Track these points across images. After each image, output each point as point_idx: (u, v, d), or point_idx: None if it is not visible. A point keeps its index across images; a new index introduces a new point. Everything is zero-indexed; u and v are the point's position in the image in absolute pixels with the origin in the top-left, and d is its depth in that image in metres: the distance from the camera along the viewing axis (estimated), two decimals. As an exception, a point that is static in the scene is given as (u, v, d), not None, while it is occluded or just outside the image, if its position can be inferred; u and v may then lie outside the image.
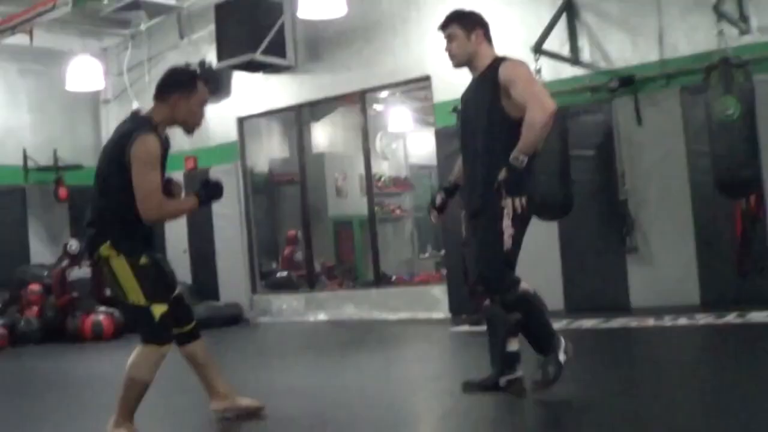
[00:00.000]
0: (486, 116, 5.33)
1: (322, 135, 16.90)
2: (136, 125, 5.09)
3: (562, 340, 5.24)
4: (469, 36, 5.48)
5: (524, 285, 5.24)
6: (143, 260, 4.97)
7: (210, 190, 5.24)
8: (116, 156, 4.99)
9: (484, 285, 5.34)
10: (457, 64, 5.60)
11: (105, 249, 4.95)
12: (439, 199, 5.89)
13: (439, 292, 11.66)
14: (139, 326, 5.03)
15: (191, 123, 5.29)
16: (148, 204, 4.89)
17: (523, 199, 5.14)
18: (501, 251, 5.16)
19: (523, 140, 5.02)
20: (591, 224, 10.05)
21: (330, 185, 16.27)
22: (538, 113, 4.99)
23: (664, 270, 9.57)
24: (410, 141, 18.64)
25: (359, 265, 16.57)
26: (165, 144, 5.17)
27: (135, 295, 4.92)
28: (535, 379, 5.20)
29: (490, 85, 5.31)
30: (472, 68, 5.55)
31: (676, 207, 9.49)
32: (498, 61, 5.38)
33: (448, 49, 5.55)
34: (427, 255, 17.41)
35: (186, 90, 5.22)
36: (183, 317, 5.31)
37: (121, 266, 4.94)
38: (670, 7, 9.67)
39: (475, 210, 5.39)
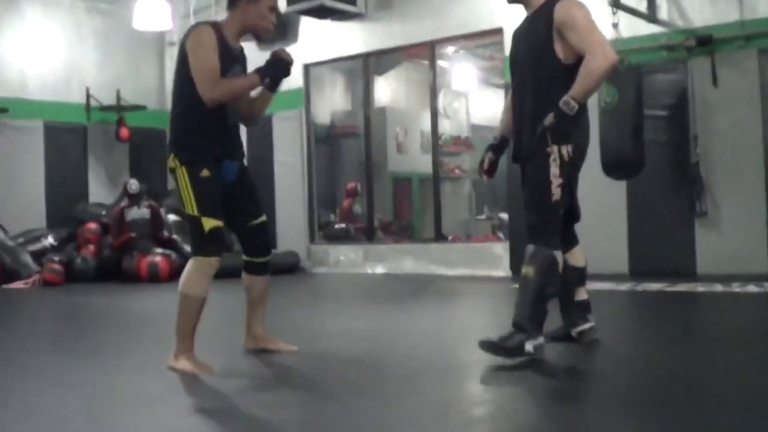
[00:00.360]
0: (536, 58, 5.02)
1: (385, 89, 16.84)
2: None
3: (542, 338, 4.88)
4: None
5: (558, 254, 4.96)
6: (204, 173, 4.99)
7: (274, 67, 5.11)
8: (179, 61, 5.04)
9: (529, 233, 5.00)
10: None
11: (171, 161, 5.04)
12: (487, 161, 5.52)
13: (501, 250, 11.60)
14: (192, 238, 5.08)
15: (262, 28, 5.21)
16: (203, 84, 4.89)
17: (570, 148, 4.89)
18: (550, 200, 4.88)
19: (579, 86, 4.74)
20: (660, 186, 9.91)
21: (390, 140, 16.21)
22: (600, 61, 4.69)
23: (733, 236, 9.41)
24: (473, 100, 18.52)
25: (416, 222, 16.55)
26: (238, 54, 5.23)
27: (190, 206, 4.98)
28: (490, 337, 4.89)
29: (543, 25, 4.97)
30: (526, 4, 5.17)
31: (748, 172, 9.32)
32: None
33: None
34: (483, 217, 17.33)
35: None
36: (258, 248, 5.42)
37: (182, 176, 5.00)
38: (753, -35, 9.41)
39: (524, 156, 5.11)
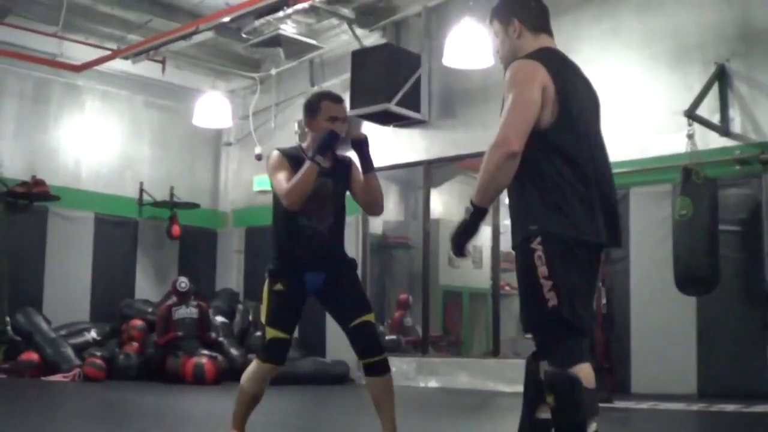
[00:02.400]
0: None
1: (438, 201, 17.07)
2: None
3: None
4: (507, 29, 4.63)
5: (583, 370, 4.17)
6: (277, 286, 5.54)
7: (319, 145, 5.42)
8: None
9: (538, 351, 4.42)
10: (505, 66, 4.60)
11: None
12: None
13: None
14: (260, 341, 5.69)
15: None
16: (281, 194, 5.41)
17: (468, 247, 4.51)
18: (545, 309, 4.21)
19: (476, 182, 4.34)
20: (732, 303, 9.95)
21: (443, 253, 16.38)
22: (491, 146, 4.25)
23: (807, 353, 9.45)
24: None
25: (466, 337, 16.62)
26: (326, 167, 5.57)
27: (262, 313, 5.59)
28: None
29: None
30: None
31: (825, 290, 9.39)
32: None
33: (496, 50, 4.80)
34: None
35: (310, 112, 5.71)
36: (364, 347, 5.55)
37: (264, 286, 5.61)
38: (828, 80, 9.66)
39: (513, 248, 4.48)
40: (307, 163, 5.34)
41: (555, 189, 4.25)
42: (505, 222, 17.60)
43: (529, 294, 4.29)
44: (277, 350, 5.52)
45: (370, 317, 5.57)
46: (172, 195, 14.93)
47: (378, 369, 5.53)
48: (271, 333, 5.49)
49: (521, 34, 4.61)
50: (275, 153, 5.66)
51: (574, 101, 4.41)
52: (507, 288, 17.28)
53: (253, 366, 5.56)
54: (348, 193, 5.87)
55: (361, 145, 5.67)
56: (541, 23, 4.71)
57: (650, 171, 10.35)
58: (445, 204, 17.35)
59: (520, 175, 4.24)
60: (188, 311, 13.15)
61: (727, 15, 10.40)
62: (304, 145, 5.71)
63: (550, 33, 4.72)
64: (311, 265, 5.58)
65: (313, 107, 5.69)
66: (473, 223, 4.44)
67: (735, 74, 10.30)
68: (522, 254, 4.31)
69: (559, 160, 4.28)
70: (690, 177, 9.46)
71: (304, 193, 5.34)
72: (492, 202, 4.40)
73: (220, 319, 13.91)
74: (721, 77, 10.28)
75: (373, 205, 5.95)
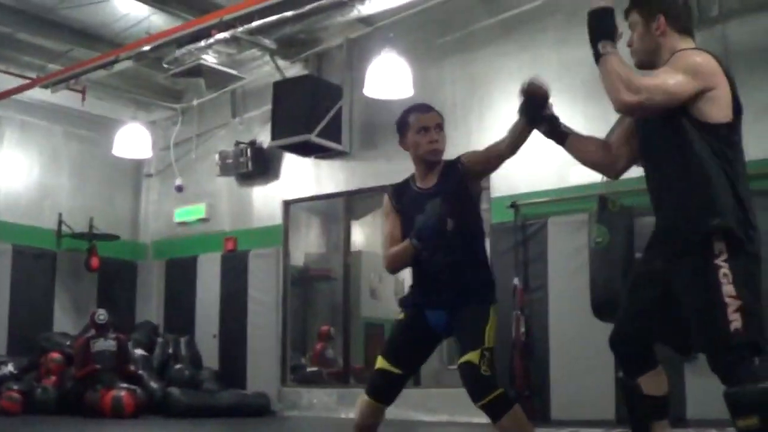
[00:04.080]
0: None
1: (360, 233, 17.14)
2: None
3: None
4: (649, 24, 4.47)
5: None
6: (400, 315, 5.31)
7: (419, 229, 5.04)
8: None
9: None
10: (638, 63, 4.58)
11: None
12: None
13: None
14: None
15: (423, 154, 5.38)
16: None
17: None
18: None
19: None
20: (648, 330, 10.06)
21: (365, 285, 16.43)
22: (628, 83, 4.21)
23: (724, 381, 9.57)
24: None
25: (387, 369, 16.63)
26: (427, 191, 5.29)
27: None
28: None
29: None
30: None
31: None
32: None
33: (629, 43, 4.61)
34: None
35: (401, 130, 5.51)
36: (468, 393, 5.05)
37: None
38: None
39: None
40: (406, 242, 5.10)
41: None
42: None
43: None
44: (378, 384, 5.21)
45: (471, 356, 4.99)
46: (91, 226, 14.76)
47: (488, 413, 4.99)
48: (378, 363, 5.18)
49: (665, 32, 4.43)
50: (385, 196, 5.49)
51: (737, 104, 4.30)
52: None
53: (360, 397, 5.28)
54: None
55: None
56: (687, 24, 4.54)
57: (568, 200, 10.50)
58: (367, 236, 17.39)
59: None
60: (107, 344, 13.00)
61: (643, 47, 10.58)
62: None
63: (693, 36, 4.52)
64: (429, 302, 5.23)
65: (401, 124, 5.49)
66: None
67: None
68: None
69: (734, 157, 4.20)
70: (606, 206, 9.62)
71: (398, 267, 5.28)
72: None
73: (139, 352, 13.79)
74: (638, 108, 10.45)
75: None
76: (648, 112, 4.26)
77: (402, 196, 5.39)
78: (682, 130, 4.19)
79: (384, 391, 5.20)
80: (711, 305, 4.01)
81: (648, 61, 4.50)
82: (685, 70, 4.15)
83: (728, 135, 4.21)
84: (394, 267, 5.26)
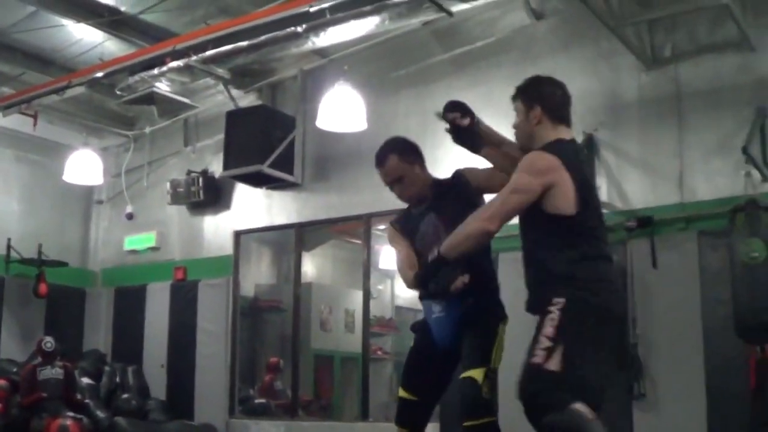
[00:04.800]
0: None
1: (310, 265, 17.06)
2: None
3: None
4: (528, 112, 5.05)
5: None
6: (413, 342, 5.51)
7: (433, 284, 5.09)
8: None
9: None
10: (519, 145, 5.22)
11: None
12: None
13: (432, 430, 11.61)
14: None
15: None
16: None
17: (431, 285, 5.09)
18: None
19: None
20: (597, 367, 10.05)
21: (315, 317, 16.34)
22: (479, 215, 4.91)
23: (672, 419, 9.55)
24: (399, 281, 18.74)
25: (337, 402, 16.55)
26: (420, 213, 5.65)
27: None
28: None
29: None
30: None
31: (688, 355, 9.51)
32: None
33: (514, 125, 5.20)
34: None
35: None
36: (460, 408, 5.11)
37: None
38: (692, 151, 9.90)
39: None
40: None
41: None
42: (379, 287, 17.71)
43: None
44: (400, 411, 5.38)
45: (474, 373, 5.05)
46: (40, 252, 14.52)
47: None
48: (399, 391, 5.36)
49: (541, 121, 4.99)
50: (388, 225, 5.77)
51: (589, 189, 4.96)
52: (379, 352, 17.31)
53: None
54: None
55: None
56: (562, 114, 5.07)
57: (516, 237, 10.43)
58: (318, 267, 17.33)
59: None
60: (53, 372, 12.82)
61: (597, 86, 10.62)
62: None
63: (569, 123, 5.09)
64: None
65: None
66: (432, 266, 4.91)
67: (603, 144, 10.49)
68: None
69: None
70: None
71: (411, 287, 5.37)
72: (455, 258, 4.89)
73: (86, 380, 13.64)
74: (589, 146, 10.46)
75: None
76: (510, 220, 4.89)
77: (402, 220, 5.63)
78: (536, 216, 4.82)
79: (406, 418, 5.35)
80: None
81: (526, 145, 5.06)
82: (530, 172, 4.74)
83: (572, 225, 4.78)
84: (407, 284, 5.39)
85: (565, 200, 4.75)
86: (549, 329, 4.61)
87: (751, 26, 9.43)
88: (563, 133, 5.02)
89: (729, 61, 9.77)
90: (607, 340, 4.97)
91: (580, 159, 5.07)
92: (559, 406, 4.44)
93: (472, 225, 4.84)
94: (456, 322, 5.26)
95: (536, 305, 4.83)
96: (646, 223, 9.93)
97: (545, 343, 4.58)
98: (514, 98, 5.18)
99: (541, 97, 5.05)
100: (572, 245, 4.80)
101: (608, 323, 4.88)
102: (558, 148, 4.88)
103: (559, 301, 4.68)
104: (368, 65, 12.37)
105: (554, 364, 4.55)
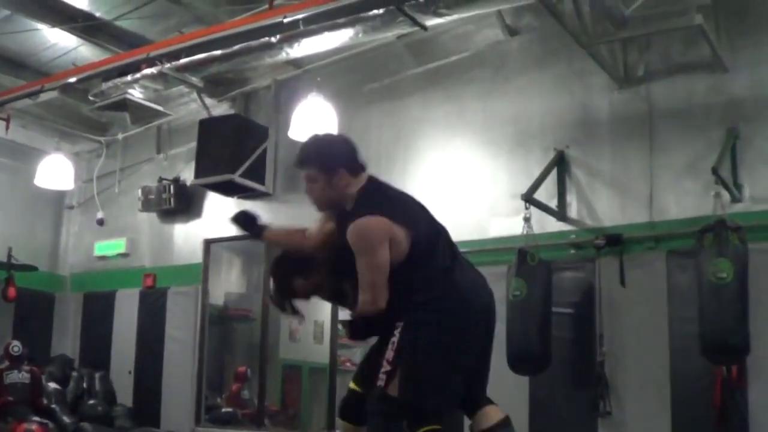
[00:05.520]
0: None
1: (282, 276, 16.93)
2: None
3: None
4: (331, 179, 5.14)
5: None
6: None
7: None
8: None
9: None
10: (320, 208, 5.45)
11: None
12: None
13: None
14: None
15: None
16: None
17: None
18: None
19: None
20: (564, 383, 10.02)
21: (284, 328, 16.21)
22: (364, 303, 4.96)
23: (637, 437, 9.55)
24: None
25: (304, 412, 16.43)
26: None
27: None
28: None
29: None
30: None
31: (654, 373, 9.46)
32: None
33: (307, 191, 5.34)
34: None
35: None
36: None
37: None
38: (662, 170, 9.87)
39: None
40: None
41: None
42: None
43: None
44: (344, 402, 5.49)
45: (358, 387, 5.41)
46: (9, 256, 14.34)
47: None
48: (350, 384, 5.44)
49: (348, 182, 5.08)
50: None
51: (410, 216, 5.09)
52: (348, 364, 17.20)
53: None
54: None
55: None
56: (359, 164, 5.19)
57: (487, 252, 10.38)
58: (289, 277, 17.18)
59: None
60: (20, 376, 12.76)
61: (569, 103, 10.60)
62: None
63: (364, 166, 5.20)
64: None
65: None
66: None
67: (574, 161, 10.47)
68: None
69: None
70: (525, 259, 9.56)
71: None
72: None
73: (53, 385, 13.52)
74: (560, 163, 10.45)
75: None
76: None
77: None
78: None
79: (349, 409, 5.39)
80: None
81: (332, 205, 5.23)
82: (379, 245, 4.84)
83: (407, 267, 4.94)
84: None
85: (399, 249, 4.92)
86: (389, 353, 4.88)
87: (724, 47, 9.42)
88: (362, 179, 5.15)
89: (701, 82, 9.77)
90: (459, 343, 5.00)
91: (388, 195, 5.23)
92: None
93: (367, 311, 4.94)
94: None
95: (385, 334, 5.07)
96: (615, 241, 9.88)
97: (386, 367, 4.86)
98: (303, 165, 5.29)
99: (341, 161, 5.14)
100: (409, 283, 4.94)
101: (455, 330, 4.96)
102: (373, 203, 5.01)
103: (399, 324, 4.92)
104: (342, 77, 12.31)
105: (393, 390, 4.83)
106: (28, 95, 12.56)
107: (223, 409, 14.51)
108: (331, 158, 5.15)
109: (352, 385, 5.44)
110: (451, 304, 4.98)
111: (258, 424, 13.37)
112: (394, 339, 4.85)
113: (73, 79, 12.16)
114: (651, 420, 9.46)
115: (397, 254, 4.90)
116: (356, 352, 17.41)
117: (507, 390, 9.94)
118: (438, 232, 5.21)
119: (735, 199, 9.19)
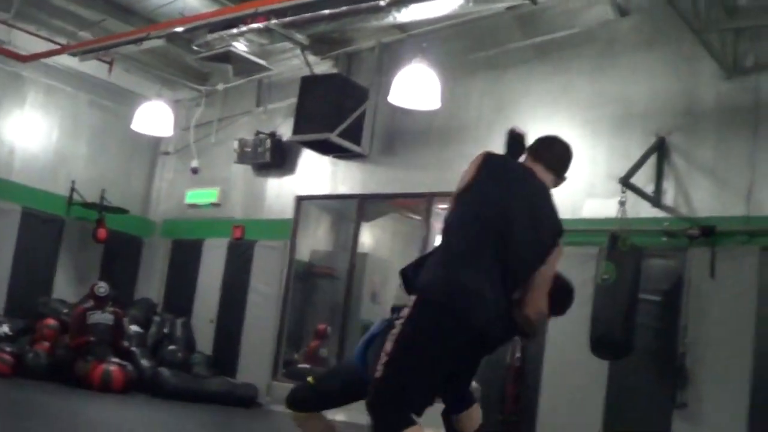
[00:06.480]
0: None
1: (368, 235, 17.11)
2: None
3: None
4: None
5: None
6: None
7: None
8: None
9: None
10: None
11: None
12: None
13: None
14: None
15: None
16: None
17: None
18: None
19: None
20: (643, 371, 10.04)
21: (366, 289, 16.38)
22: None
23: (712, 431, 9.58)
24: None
25: (378, 373, 16.61)
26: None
27: None
28: None
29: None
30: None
31: (735, 368, 9.45)
32: None
33: None
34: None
35: None
36: None
37: None
38: (764, 165, 9.81)
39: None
40: None
41: None
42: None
43: None
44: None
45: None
46: (102, 198, 14.78)
47: None
48: None
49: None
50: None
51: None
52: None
53: None
54: None
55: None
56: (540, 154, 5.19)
57: (578, 232, 10.40)
58: (375, 239, 17.37)
59: None
60: (103, 317, 13.01)
61: (675, 89, 10.57)
62: None
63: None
64: None
65: None
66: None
67: (674, 148, 10.43)
68: None
69: None
70: (616, 243, 9.58)
71: None
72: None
73: (135, 328, 13.85)
74: (661, 149, 10.43)
75: None
76: None
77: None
78: None
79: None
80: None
81: None
82: None
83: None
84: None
85: None
86: (388, 345, 4.59)
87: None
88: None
89: (812, 77, 9.67)
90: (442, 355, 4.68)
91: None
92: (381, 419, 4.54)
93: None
94: None
95: None
96: (708, 232, 9.86)
97: (383, 358, 4.58)
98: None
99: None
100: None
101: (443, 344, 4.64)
102: None
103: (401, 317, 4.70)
104: (447, 44, 12.36)
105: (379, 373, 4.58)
106: (134, 41, 12.87)
107: (300, 365, 14.73)
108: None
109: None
110: (448, 321, 4.58)
111: (335, 383, 13.51)
112: (395, 331, 4.57)
113: (179, 29, 12.41)
114: (727, 416, 9.44)
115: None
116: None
117: (586, 373, 10.12)
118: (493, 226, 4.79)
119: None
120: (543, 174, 5.06)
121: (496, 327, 4.65)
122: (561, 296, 5.27)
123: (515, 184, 4.91)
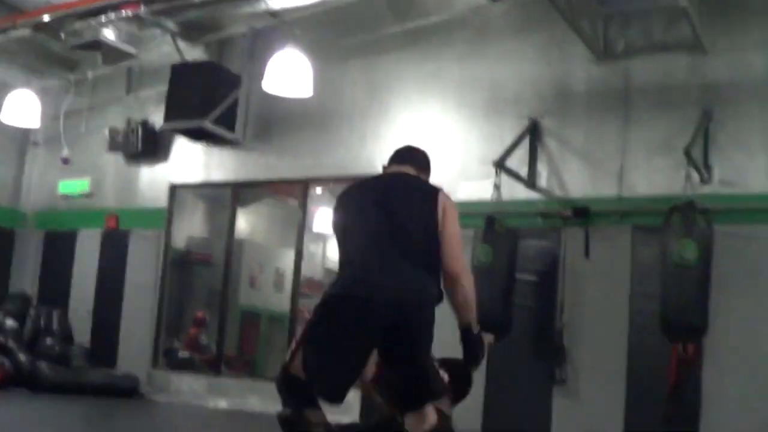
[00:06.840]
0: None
1: (244, 223, 17.06)
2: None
3: None
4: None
5: None
6: None
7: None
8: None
9: None
10: None
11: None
12: None
13: (352, 396, 11.73)
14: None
15: None
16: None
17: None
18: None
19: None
20: (522, 349, 10.29)
21: (244, 274, 16.39)
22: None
23: (590, 406, 9.84)
24: (332, 243, 18.83)
25: (260, 360, 16.66)
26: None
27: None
28: None
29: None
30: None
31: (611, 345, 9.79)
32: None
33: None
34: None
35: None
36: None
37: None
38: (635, 146, 10.12)
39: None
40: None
41: None
42: (311, 248, 17.78)
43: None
44: None
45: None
46: (-31, 191, 14.45)
47: None
48: None
49: None
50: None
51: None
52: (306, 314, 17.35)
53: None
54: None
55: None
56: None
57: (455, 216, 10.57)
58: (251, 225, 17.34)
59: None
60: (-22, 311, 12.76)
61: (547, 73, 10.83)
62: None
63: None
64: None
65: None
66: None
67: (547, 131, 10.69)
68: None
69: None
70: (492, 225, 9.82)
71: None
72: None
73: (10, 322, 13.59)
74: (534, 132, 10.66)
75: None
76: None
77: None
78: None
79: None
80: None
81: None
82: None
83: None
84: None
85: None
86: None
87: (705, 30, 9.62)
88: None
89: (680, 62, 10.02)
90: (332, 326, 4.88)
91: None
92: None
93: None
94: None
95: None
96: (582, 213, 10.14)
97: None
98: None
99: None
100: None
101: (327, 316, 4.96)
102: None
103: None
104: (320, 30, 12.34)
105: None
106: (1, 31, 12.56)
107: (180, 354, 14.69)
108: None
109: None
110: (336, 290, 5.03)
111: (216, 369, 13.58)
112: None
113: (47, 18, 12.16)
114: (605, 391, 9.81)
115: None
116: (316, 302, 17.61)
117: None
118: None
119: (704, 181, 9.47)
120: (409, 170, 5.38)
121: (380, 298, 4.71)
122: (461, 384, 5.47)
123: (361, 191, 5.24)
